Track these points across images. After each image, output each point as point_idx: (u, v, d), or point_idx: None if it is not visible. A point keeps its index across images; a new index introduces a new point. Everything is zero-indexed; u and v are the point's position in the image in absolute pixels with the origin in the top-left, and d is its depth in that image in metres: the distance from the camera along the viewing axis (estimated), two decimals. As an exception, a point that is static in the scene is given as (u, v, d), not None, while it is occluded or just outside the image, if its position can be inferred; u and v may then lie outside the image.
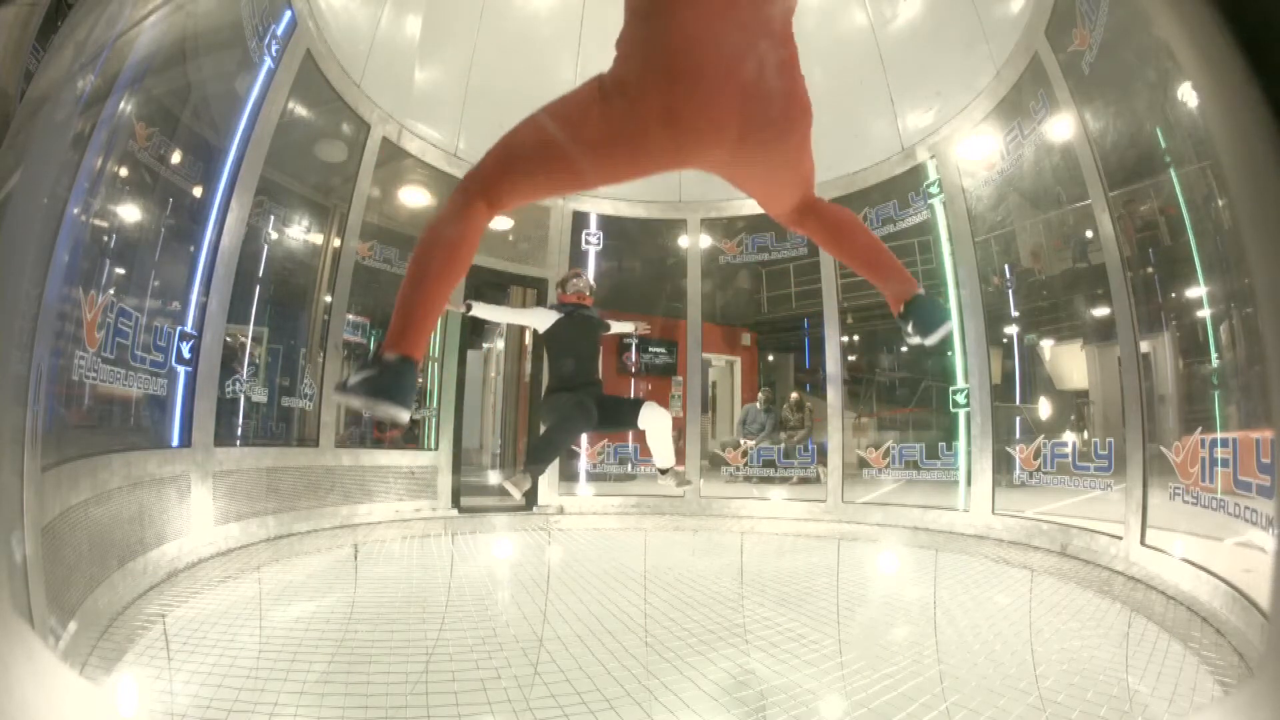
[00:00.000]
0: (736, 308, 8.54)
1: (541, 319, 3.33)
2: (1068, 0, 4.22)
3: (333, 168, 5.42)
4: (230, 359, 4.37)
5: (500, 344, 8.37)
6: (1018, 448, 5.04)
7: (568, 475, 6.55)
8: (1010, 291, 5.46)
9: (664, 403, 7.33)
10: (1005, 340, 5.51)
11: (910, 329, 1.53)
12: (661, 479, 3.57)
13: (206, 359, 3.96)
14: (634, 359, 7.50)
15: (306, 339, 5.24)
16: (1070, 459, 4.64)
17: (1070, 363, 5.44)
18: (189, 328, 3.88)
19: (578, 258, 6.79)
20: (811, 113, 1.26)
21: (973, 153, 5.43)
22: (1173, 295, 3.85)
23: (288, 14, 4.42)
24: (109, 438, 3.30)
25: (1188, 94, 3.25)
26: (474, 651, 2.59)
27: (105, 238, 3.25)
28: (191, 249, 3.99)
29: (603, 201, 6.91)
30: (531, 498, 6.26)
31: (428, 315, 1.20)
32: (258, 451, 4.51)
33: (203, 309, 3.97)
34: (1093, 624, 3.02)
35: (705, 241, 7.01)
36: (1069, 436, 4.90)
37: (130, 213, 3.51)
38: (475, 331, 6.96)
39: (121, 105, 3.05)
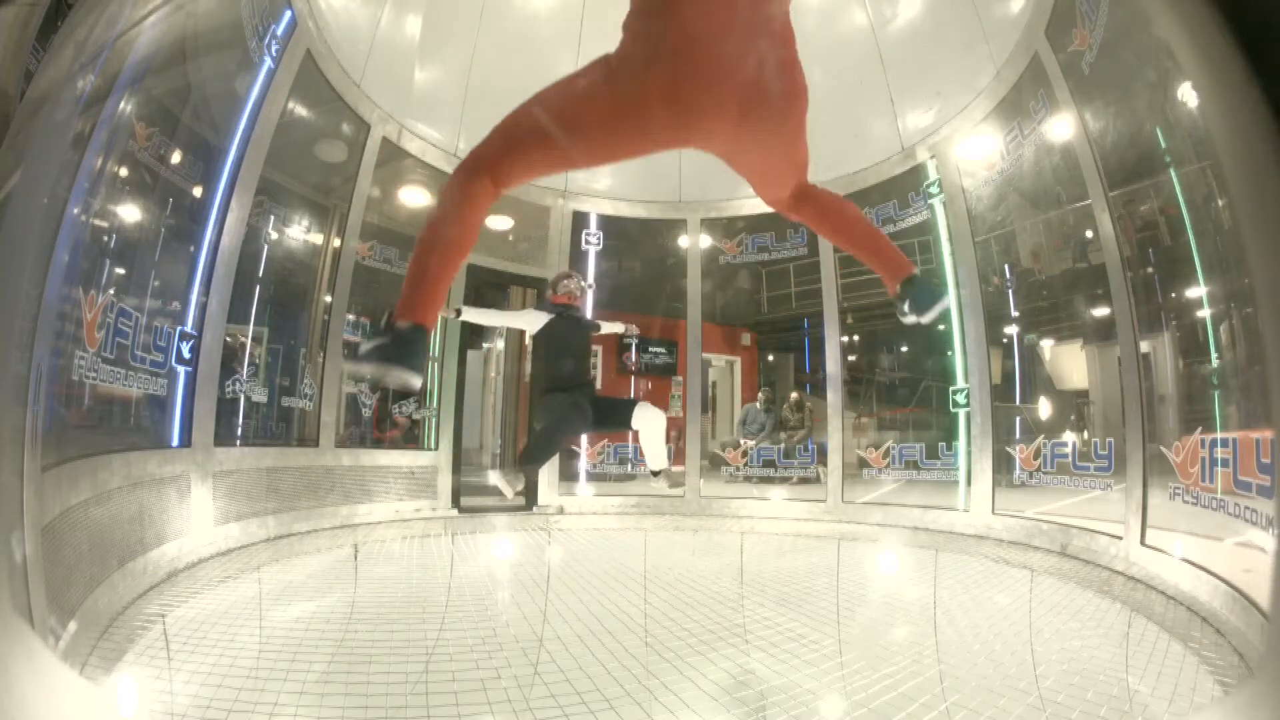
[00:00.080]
0: (736, 308, 8.55)
1: (532, 321, 3.33)
2: (1068, 0, 4.22)
3: (333, 168, 5.42)
4: (230, 359, 4.37)
5: (500, 344, 8.37)
6: (1018, 448, 5.04)
7: (568, 475, 6.55)
8: (1010, 291, 5.46)
9: (664, 403, 7.36)
10: (1005, 340, 5.51)
11: (906, 308, 1.56)
12: (654, 480, 3.55)
13: (206, 359, 3.96)
14: (634, 359, 7.50)
15: (306, 339, 5.24)
16: (1070, 459, 4.64)
17: (1070, 363, 5.44)
18: (189, 328, 3.88)
19: (578, 257, 6.79)
20: (808, 96, 1.29)
21: (973, 153, 5.43)
22: (1173, 295, 3.85)
23: (288, 14, 4.42)
24: (109, 438, 3.30)
25: (1188, 94, 3.25)
26: (474, 651, 2.59)
27: (105, 238, 3.25)
28: (191, 249, 3.99)
29: (603, 201, 6.91)
30: (531, 498, 6.27)
31: (438, 285, 1.23)
32: (258, 451, 4.51)
33: (203, 309, 3.96)
34: (1093, 624, 3.02)
35: (705, 241, 7.00)
36: (1069, 436, 4.90)
37: (130, 213, 3.51)
38: (475, 331, 6.96)
39: (121, 105, 3.04)
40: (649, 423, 3.21)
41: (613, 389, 7.46)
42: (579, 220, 6.83)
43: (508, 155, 1.24)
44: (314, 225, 5.25)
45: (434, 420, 6.01)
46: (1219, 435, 3.17)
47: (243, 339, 4.61)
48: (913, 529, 5.36)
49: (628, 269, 7.49)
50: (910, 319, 1.58)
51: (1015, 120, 4.98)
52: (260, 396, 4.71)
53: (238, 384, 4.46)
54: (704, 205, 6.89)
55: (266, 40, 4.27)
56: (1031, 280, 5.41)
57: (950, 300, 1.41)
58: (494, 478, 3.05)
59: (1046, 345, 5.61)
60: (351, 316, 5.42)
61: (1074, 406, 5.36)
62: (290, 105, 4.64)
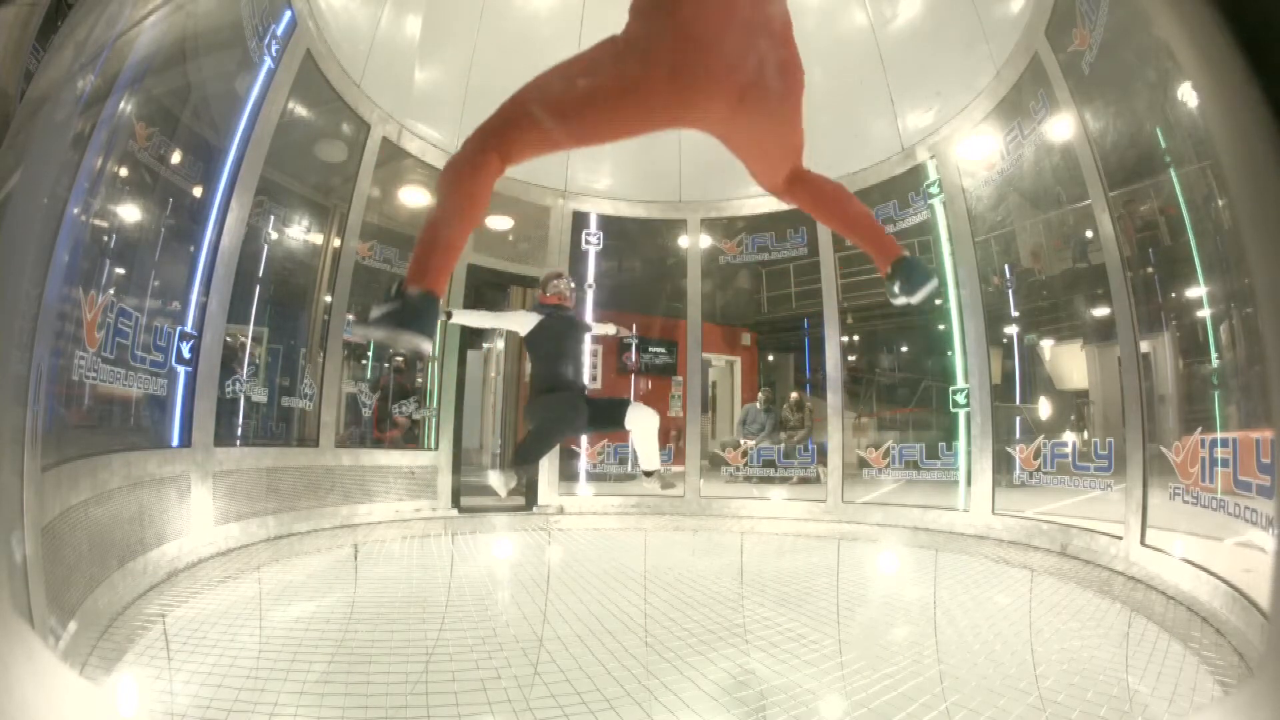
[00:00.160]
0: (736, 308, 8.55)
1: (522, 322, 3.32)
2: (1068, 0, 4.22)
3: (333, 168, 5.42)
4: (230, 359, 4.37)
5: (500, 344, 8.37)
6: (1018, 448, 5.04)
7: (568, 475, 6.55)
8: (1010, 291, 5.46)
9: (664, 403, 7.36)
10: (1005, 340, 5.51)
11: (897, 289, 1.62)
12: (646, 480, 3.54)
13: (206, 359, 3.96)
14: (634, 359, 7.50)
15: (306, 339, 5.24)
16: (1070, 459, 4.64)
17: (1070, 363, 5.44)
18: (189, 328, 3.88)
19: (578, 258, 6.79)
20: (803, 81, 1.35)
21: (973, 153, 5.43)
22: (1173, 295, 3.85)
23: (288, 14, 4.42)
24: (109, 438, 3.30)
25: (1188, 94, 3.25)
26: (474, 651, 2.59)
27: (105, 238, 3.25)
28: (191, 249, 3.99)
29: (603, 202, 6.91)
30: (531, 498, 6.27)
31: (448, 254, 1.25)
32: (258, 451, 4.51)
33: (203, 309, 3.96)
34: (1093, 624, 3.02)
35: (705, 241, 7.00)
36: (1069, 436, 4.90)
37: (130, 213, 3.51)
38: (475, 332, 6.95)
39: (121, 105, 3.04)
40: (641, 423, 3.20)
41: (613, 389, 7.45)
42: (579, 220, 6.83)
43: (514, 131, 1.27)
44: (314, 225, 5.25)
45: (434, 420, 6.01)
46: (1219, 435, 3.17)
47: (243, 339, 4.61)
48: (913, 529, 5.36)
49: (628, 269, 7.49)
50: (901, 299, 1.64)
51: (1015, 120, 4.98)
52: (260, 396, 4.71)
53: (238, 384, 4.46)
54: (704, 205, 6.89)
55: (266, 40, 4.27)
56: (1031, 280, 5.41)
57: (938, 282, 1.49)
58: (490, 477, 3.06)
59: (1046, 345, 5.61)
60: (351, 316, 5.42)
61: (1074, 406, 5.36)
62: (290, 105, 4.64)
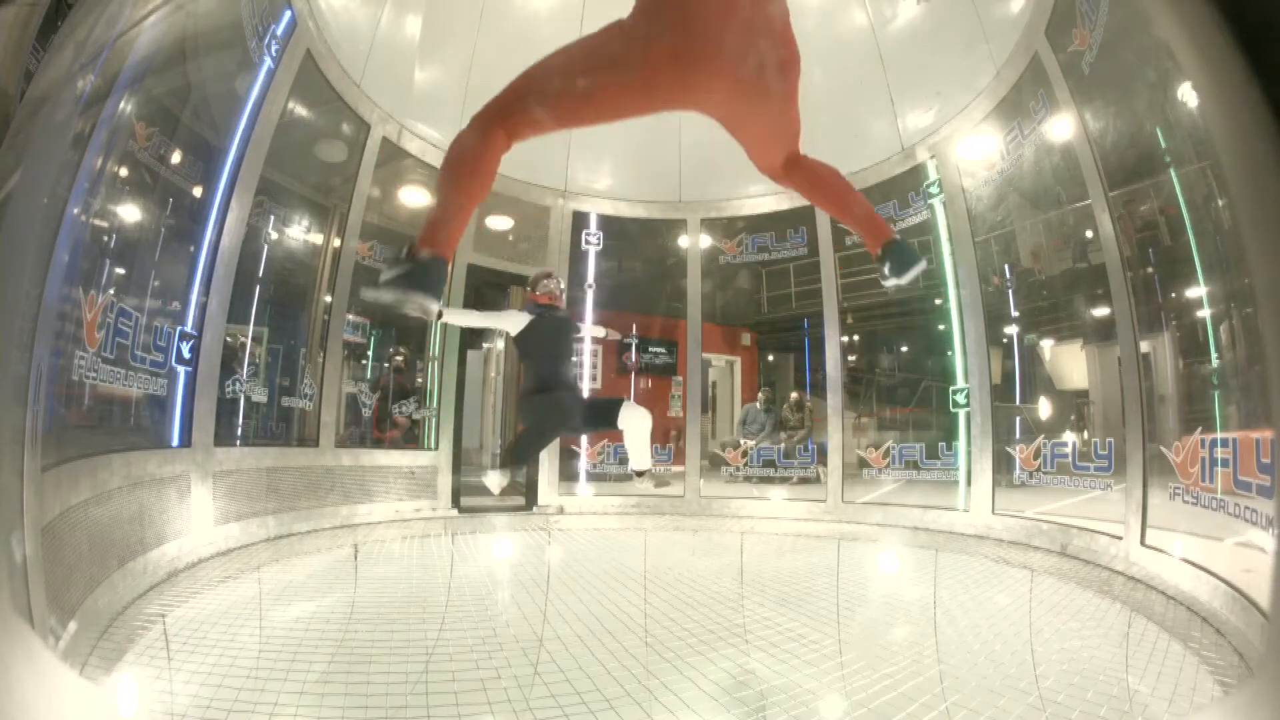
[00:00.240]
0: (736, 308, 8.54)
1: (513, 322, 3.31)
2: (1068, 0, 4.22)
3: (333, 168, 5.42)
4: (230, 359, 4.37)
5: (500, 344, 8.36)
6: (1018, 448, 5.04)
7: (568, 475, 6.55)
8: (1010, 291, 5.46)
9: (664, 403, 7.35)
10: (1005, 340, 5.51)
11: (886, 270, 1.70)
12: (638, 480, 3.53)
13: (206, 359, 3.96)
14: (634, 359, 7.50)
15: (306, 339, 5.24)
16: (1070, 459, 4.64)
17: (1070, 363, 5.44)
18: (189, 328, 3.88)
19: (578, 257, 6.79)
20: (800, 64, 1.40)
21: (973, 153, 5.43)
22: (1173, 295, 3.85)
23: (288, 14, 4.42)
24: (109, 438, 3.30)
25: (1188, 94, 3.25)
26: (474, 651, 2.59)
27: (105, 238, 3.25)
28: (191, 249, 3.99)
29: (603, 201, 6.91)
30: (531, 498, 6.27)
31: (457, 220, 1.29)
32: (258, 451, 4.51)
33: (203, 309, 3.96)
34: (1093, 624, 3.02)
35: (705, 241, 7.00)
36: (1069, 436, 4.90)
37: (130, 213, 3.51)
38: (475, 331, 6.95)
39: (121, 105, 3.04)
40: (634, 422, 3.20)
41: (612, 389, 7.45)
42: (579, 220, 6.83)
43: (520, 109, 1.31)
44: (314, 225, 5.25)
45: (434, 420, 6.01)
46: (1219, 435, 3.17)
47: (243, 339, 4.61)
48: (913, 529, 5.36)
49: (628, 269, 7.48)
50: (890, 281, 1.72)
51: (1015, 120, 4.98)
52: (260, 396, 4.70)
53: (238, 384, 4.46)
54: (704, 205, 6.89)
55: (266, 40, 4.27)
56: (1031, 280, 5.41)
57: (926, 264, 1.61)
58: (484, 475, 3.07)
59: (1046, 345, 5.61)
60: (351, 316, 5.42)
61: (1074, 406, 5.36)
62: (290, 105, 4.64)
